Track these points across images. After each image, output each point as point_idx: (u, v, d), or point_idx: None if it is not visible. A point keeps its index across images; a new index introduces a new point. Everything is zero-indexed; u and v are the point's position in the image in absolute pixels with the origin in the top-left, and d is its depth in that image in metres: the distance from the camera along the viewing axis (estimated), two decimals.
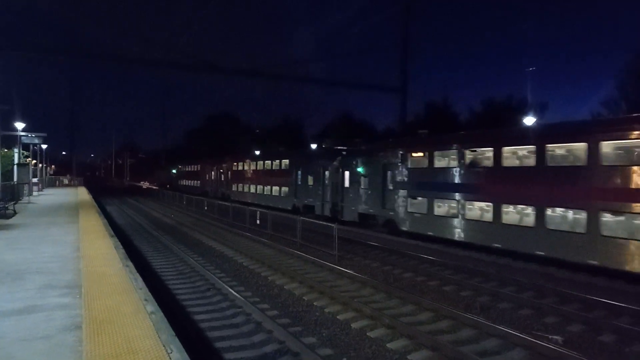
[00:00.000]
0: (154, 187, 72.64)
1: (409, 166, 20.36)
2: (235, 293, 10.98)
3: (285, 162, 33.66)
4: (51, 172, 76.86)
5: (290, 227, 20.27)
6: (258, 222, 23.64)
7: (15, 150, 34.80)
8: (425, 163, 19.67)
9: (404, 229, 20.30)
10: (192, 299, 11.12)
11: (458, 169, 17.78)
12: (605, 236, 12.79)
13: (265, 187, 35.84)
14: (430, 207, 18.99)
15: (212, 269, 14.32)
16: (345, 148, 28.83)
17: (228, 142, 76.57)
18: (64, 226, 16.45)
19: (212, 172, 50.39)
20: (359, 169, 23.63)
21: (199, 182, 55.87)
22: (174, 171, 72.01)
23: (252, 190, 38.09)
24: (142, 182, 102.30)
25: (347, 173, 24.76)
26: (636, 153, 12.68)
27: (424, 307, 10.31)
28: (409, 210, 20.11)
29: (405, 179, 20.42)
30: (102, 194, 51.68)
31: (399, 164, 20.79)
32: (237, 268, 14.65)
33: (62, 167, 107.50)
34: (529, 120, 26.20)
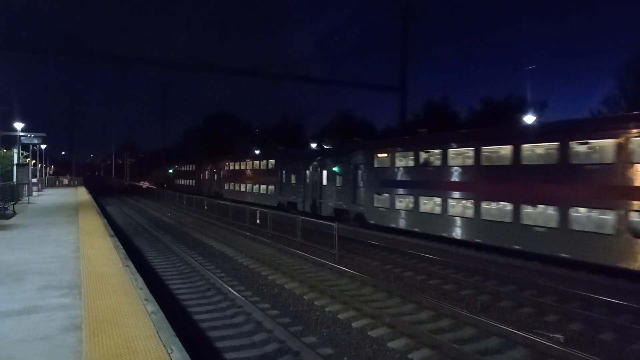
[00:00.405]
0: (153, 187, 73.93)
1: (375, 166, 23.01)
2: (235, 293, 10.96)
3: (272, 162, 35.92)
4: (51, 172, 76.78)
5: (291, 226, 20.25)
6: (258, 221, 23.65)
7: (15, 150, 34.78)
8: (388, 163, 22.22)
9: (372, 222, 22.81)
10: (192, 298, 11.10)
11: (414, 168, 20.43)
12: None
13: (254, 186, 38.14)
14: (392, 202, 21.57)
15: (212, 268, 14.30)
16: (328, 148, 31.48)
17: (227, 142, 76.55)
18: (64, 226, 16.42)
19: (206, 172, 52.42)
20: (335, 169, 26.06)
21: (194, 181, 57.93)
22: (171, 171, 74.10)
23: (242, 188, 40.39)
24: (142, 182, 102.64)
25: (324, 172, 27.26)
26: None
27: (425, 306, 10.30)
28: (375, 205, 22.72)
29: (372, 177, 23.09)
30: (101, 194, 51.64)
31: (367, 164, 23.56)
32: (237, 267, 14.64)
33: (62, 167, 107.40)
34: (529, 119, 26.20)
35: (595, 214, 13.63)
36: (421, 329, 8.65)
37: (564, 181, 14.25)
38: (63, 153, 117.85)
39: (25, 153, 41.43)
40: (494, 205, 16.76)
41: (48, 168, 70.12)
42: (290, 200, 31.22)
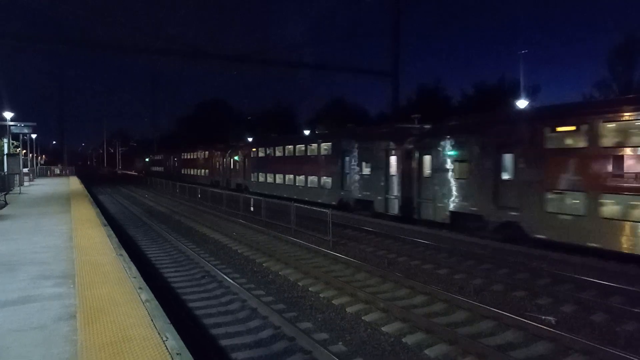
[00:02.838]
0: (135, 174, 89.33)
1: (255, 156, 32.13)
2: (230, 280, 10.99)
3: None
4: (42, 162, 76.24)
5: (285, 213, 20.26)
6: (252, 208, 23.64)
7: (5, 140, 34.44)
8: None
9: (251, 190, 34.68)
10: (187, 286, 11.12)
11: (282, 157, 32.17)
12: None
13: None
14: (265, 178, 34.22)
15: (206, 256, 14.31)
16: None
17: (219, 129, 76.23)
18: (56, 216, 16.35)
19: (170, 160, 66.40)
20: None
21: (162, 168, 70.58)
22: (147, 160, 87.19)
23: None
24: (134, 171, 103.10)
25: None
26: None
27: (418, 290, 10.38)
28: (257, 180, 35.88)
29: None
30: (94, 183, 51.38)
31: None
32: (231, 255, 14.66)
33: (54, 156, 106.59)
34: (522, 104, 26.25)
35: None
36: (415, 313, 8.73)
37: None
38: (54, 142, 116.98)
39: (15, 143, 41.02)
40: (310, 179, 28.65)
41: (39, 158, 69.59)
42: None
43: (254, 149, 37.13)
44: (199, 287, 11.08)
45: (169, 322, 5.65)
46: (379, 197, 21.68)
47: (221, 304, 9.70)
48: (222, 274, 11.56)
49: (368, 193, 22.55)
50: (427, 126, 21.54)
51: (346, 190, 24.47)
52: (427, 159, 19.06)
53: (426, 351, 7.29)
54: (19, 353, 4.88)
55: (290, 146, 31.78)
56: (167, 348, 4.89)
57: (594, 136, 13.00)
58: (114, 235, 12.13)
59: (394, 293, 10.37)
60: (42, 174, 59.40)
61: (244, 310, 9.20)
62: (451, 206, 17.57)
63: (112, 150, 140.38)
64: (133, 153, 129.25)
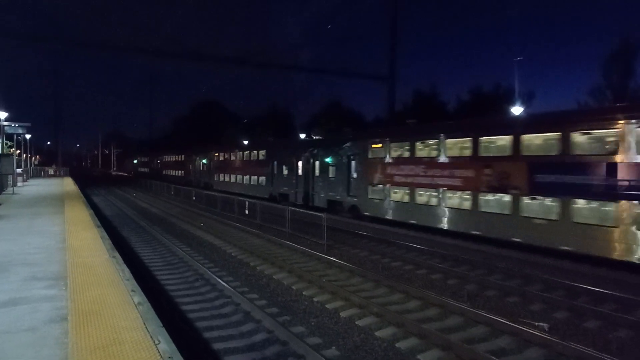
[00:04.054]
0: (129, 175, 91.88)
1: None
2: (223, 283, 10.95)
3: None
4: (36, 163, 75.87)
5: (279, 217, 20.23)
6: (247, 212, 23.61)
7: None
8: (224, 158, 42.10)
9: (214, 187, 41.74)
10: (180, 289, 11.07)
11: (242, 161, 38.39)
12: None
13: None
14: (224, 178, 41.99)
15: (200, 259, 14.26)
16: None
17: (216, 131, 76.15)
18: (50, 217, 16.24)
19: (154, 162, 74.64)
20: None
21: (148, 169, 78.24)
22: (135, 161, 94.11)
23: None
24: (125, 172, 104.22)
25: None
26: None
27: (412, 295, 10.38)
28: (218, 179, 43.02)
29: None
30: (88, 185, 51.13)
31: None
32: (225, 258, 14.61)
33: (48, 157, 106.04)
34: (517, 110, 26.35)
35: None
36: (409, 318, 8.72)
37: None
38: (49, 143, 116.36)
39: (9, 143, 40.77)
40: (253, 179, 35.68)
41: (33, 158, 69.21)
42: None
43: (216, 154, 45.51)
44: (192, 289, 11.04)
45: (162, 325, 5.61)
46: (292, 191, 29.61)
47: (214, 307, 9.66)
48: (216, 277, 11.52)
49: (286, 188, 30.65)
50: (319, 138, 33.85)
51: (274, 187, 32.41)
52: (317, 164, 26.90)
53: (419, 356, 7.29)
54: (9, 355, 4.83)
55: (240, 152, 40.15)
56: (159, 352, 4.85)
57: (388, 151, 20.89)
58: (107, 237, 12.05)
59: (387, 298, 10.37)
60: (36, 175, 59.07)
61: (237, 313, 9.16)
62: (328, 196, 25.54)
63: (107, 152, 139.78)
64: (128, 154, 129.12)
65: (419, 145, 19.26)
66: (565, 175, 13.64)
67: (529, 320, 8.88)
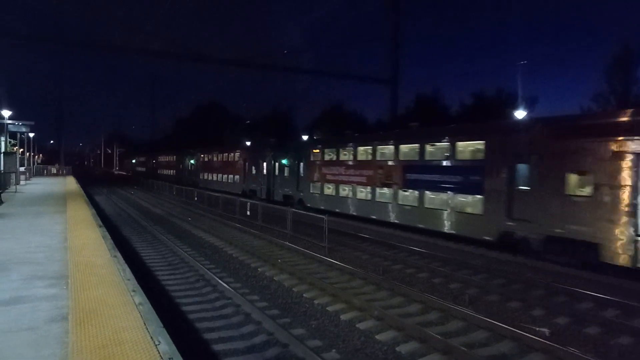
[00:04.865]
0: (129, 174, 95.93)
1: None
2: (224, 284, 10.94)
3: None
4: (39, 161, 75.96)
5: (281, 218, 20.23)
6: (249, 213, 23.61)
7: (2, 138, 34.29)
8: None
9: (200, 185, 43.73)
10: (181, 290, 11.07)
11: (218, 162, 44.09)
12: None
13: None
14: (207, 177, 46.24)
15: (201, 260, 14.26)
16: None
17: (217, 132, 76.22)
18: (52, 216, 16.26)
19: (150, 162, 79.36)
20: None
21: (144, 168, 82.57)
22: (133, 161, 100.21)
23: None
24: (124, 171, 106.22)
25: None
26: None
27: (413, 299, 10.35)
28: (203, 178, 46.97)
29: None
30: (90, 184, 51.18)
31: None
32: (226, 259, 14.61)
33: (51, 156, 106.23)
34: (520, 114, 26.32)
35: None
36: (409, 322, 8.70)
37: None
38: (52, 142, 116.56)
39: (12, 141, 40.84)
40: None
41: (36, 157, 69.36)
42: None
43: (201, 155, 50.10)
44: (193, 290, 11.03)
45: (162, 325, 5.61)
46: (258, 188, 33.89)
47: (215, 308, 9.65)
48: (217, 278, 11.51)
49: (254, 185, 34.91)
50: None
51: (245, 184, 36.85)
52: (276, 165, 31.29)
53: None
54: (9, 354, 4.83)
55: (220, 154, 44.87)
56: (159, 352, 4.85)
57: (322, 155, 26.48)
58: (108, 237, 12.06)
59: (388, 301, 10.34)
60: (39, 174, 59.18)
61: (237, 315, 9.15)
62: (284, 192, 30.09)
63: (109, 151, 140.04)
64: (130, 154, 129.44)
65: (342, 151, 24.81)
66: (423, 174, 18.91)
67: (530, 325, 8.85)
